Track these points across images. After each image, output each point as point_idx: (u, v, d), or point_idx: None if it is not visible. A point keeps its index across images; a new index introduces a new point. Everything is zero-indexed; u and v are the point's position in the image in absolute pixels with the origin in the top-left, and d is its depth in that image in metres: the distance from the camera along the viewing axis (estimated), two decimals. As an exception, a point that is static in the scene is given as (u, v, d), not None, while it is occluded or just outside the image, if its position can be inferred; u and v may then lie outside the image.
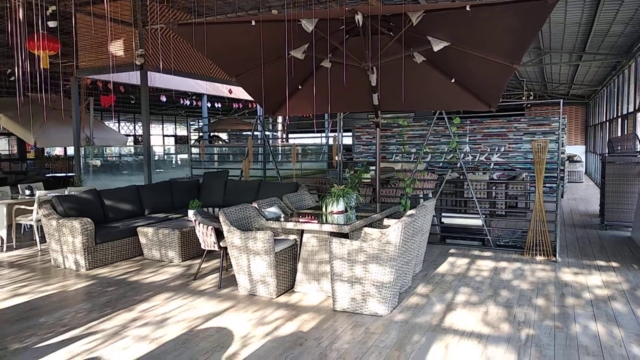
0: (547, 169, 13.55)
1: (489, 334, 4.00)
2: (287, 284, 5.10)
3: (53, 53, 6.62)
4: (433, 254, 6.66)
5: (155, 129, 28.26)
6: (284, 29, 4.84)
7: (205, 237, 5.36)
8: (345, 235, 4.89)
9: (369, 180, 9.05)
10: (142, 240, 6.61)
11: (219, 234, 5.28)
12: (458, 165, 13.82)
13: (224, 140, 24.94)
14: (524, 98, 16.76)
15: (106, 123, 26.11)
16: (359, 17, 4.67)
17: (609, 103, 13.68)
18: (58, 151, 26.50)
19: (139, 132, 27.12)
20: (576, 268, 5.97)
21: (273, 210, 5.79)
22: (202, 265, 6.14)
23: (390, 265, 4.27)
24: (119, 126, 25.72)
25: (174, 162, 20.57)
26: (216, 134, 23.13)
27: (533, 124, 13.76)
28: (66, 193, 7.60)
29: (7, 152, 24.19)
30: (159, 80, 12.04)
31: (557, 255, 6.30)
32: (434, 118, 7.38)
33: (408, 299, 4.86)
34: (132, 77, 10.43)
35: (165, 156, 24.22)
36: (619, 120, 11.20)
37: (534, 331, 4.05)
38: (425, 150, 7.46)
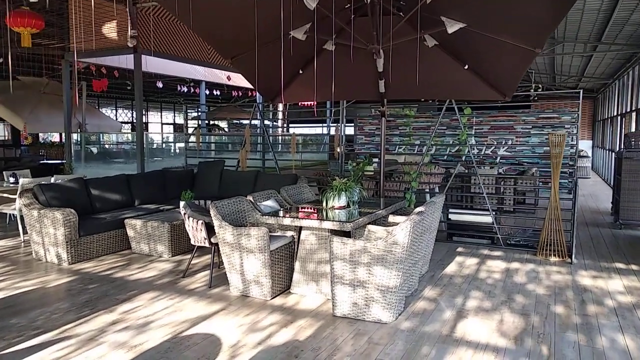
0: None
1: (507, 347, 3.60)
2: (283, 285, 4.70)
3: (36, 31, 6.16)
4: (440, 253, 6.25)
5: (154, 117, 27.80)
6: (284, 6, 4.38)
7: (195, 232, 4.95)
8: (347, 234, 4.48)
9: (372, 173, 8.62)
10: (130, 232, 6.21)
11: (210, 229, 4.87)
12: (463, 158, 13.44)
13: (224, 130, 24.49)
14: (532, 90, 16.26)
15: (103, 110, 25.65)
16: (366, -7, 4.22)
17: (622, 96, 13.20)
18: (55, 137, 26.05)
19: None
20: (594, 271, 5.56)
21: (269, 204, 5.37)
22: (193, 262, 5.74)
23: (396, 268, 3.86)
24: (116, 113, 25.25)
25: (172, 150, 20.15)
26: (216, 122, 22.67)
27: (542, 117, 13.32)
28: (52, 181, 7.18)
29: (2, 138, 23.74)
30: (154, 64, 11.57)
31: (573, 256, 5.89)
32: (443, 108, 6.93)
33: (415, 303, 4.46)
34: (126, 61, 9.98)
35: (164, 144, 23.80)
36: (634, 114, 10.74)
37: (556, 345, 3.64)
38: (431, 143, 7.02)
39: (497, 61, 5.24)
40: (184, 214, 4.98)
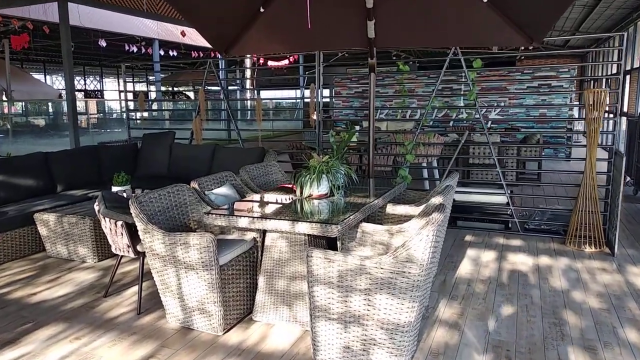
0: (553, 128, 11.90)
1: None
2: (242, 309, 3.31)
3: None
4: (446, 244, 4.96)
5: (112, 84, 25.61)
6: None
7: (115, 237, 3.48)
8: (332, 241, 3.10)
9: (355, 144, 7.23)
10: (42, 231, 4.70)
11: (136, 233, 3.41)
12: (452, 123, 12.10)
13: (188, 97, 22.55)
14: (522, 48, 14.94)
15: (51, 77, 23.30)
16: None
17: (627, 52, 11.95)
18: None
19: (91, 86, 24.37)
20: (645, 266, 4.35)
21: (223, 192, 3.92)
22: (123, 270, 4.30)
23: (411, 297, 2.50)
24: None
25: (138, 120, 18.42)
26: (178, 88, 20.72)
27: (537, 76, 12.07)
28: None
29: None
30: (93, 18, 9.74)
31: (616, 246, 4.65)
32: (446, 60, 5.50)
33: (429, 333, 3.14)
34: (54, 13, 8.19)
35: (123, 114, 21.74)
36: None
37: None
38: (432, 105, 5.62)
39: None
40: (98, 211, 3.50)
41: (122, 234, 3.39)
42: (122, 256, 3.72)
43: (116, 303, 3.65)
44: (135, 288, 3.88)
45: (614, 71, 13.82)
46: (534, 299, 3.65)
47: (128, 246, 3.42)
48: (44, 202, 5.10)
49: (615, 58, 13.92)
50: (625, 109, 11.42)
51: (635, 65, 10.65)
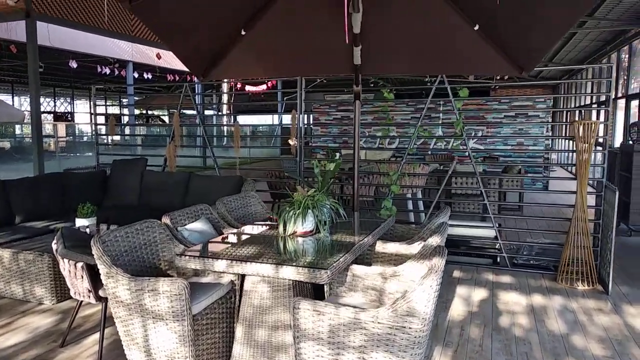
0: (530, 157, 11.93)
1: None
2: (218, 363, 2.96)
3: None
4: (434, 282, 4.69)
5: (84, 106, 24.97)
6: None
7: (75, 280, 3.10)
8: (319, 288, 2.81)
9: (336, 173, 6.98)
10: (-5, 268, 4.25)
11: (99, 275, 3.04)
12: (429, 153, 12.04)
13: (163, 121, 22.10)
14: (498, 78, 15.14)
15: (21, 98, 22.58)
16: None
17: (600, 83, 12.20)
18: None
19: (62, 108, 23.68)
20: (642, 305, 4.18)
21: (197, 227, 3.59)
22: (83, 313, 3.88)
23: (411, 355, 2.21)
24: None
25: (108, 144, 17.86)
26: (153, 112, 20.26)
27: (515, 106, 12.17)
28: None
29: None
30: (64, 38, 9.38)
31: (610, 284, 4.47)
32: (432, 89, 5.34)
33: (426, 388, 2.84)
34: (20, 31, 7.86)
35: (93, 138, 21.16)
36: (622, 101, 9.64)
37: None
38: (418, 134, 5.43)
39: (525, 18, 3.68)
40: (56, 250, 3.12)
41: (82, 277, 3.02)
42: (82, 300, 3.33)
43: (74, 354, 3.24)
44: (97, 335, 3.47)
45: (588, 102, 14.12)
46: (533, 345, 3.40)
47: (89, 291, 3.04)
48: (0, 236, 4.65)
49: (589, 90, 14.23)
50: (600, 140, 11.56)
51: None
